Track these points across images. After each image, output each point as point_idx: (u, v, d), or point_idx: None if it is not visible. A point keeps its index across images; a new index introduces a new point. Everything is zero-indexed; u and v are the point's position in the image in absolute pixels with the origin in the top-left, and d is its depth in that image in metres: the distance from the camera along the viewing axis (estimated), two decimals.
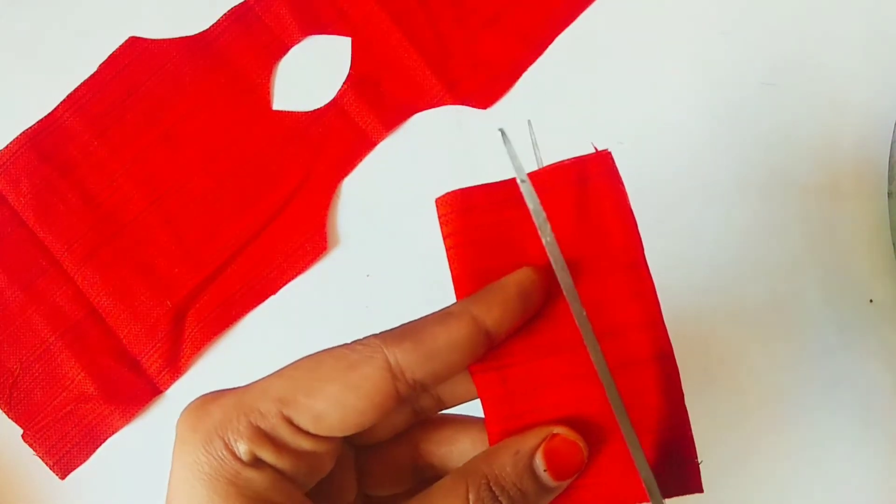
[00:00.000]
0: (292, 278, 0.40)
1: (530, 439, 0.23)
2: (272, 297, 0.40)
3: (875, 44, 0.41)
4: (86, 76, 0.42)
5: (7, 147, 0.41)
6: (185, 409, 0.23)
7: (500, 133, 0.23)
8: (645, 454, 0.23)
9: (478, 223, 0.25)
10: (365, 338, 0.22)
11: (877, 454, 0.38)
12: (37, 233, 0.40)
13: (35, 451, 0.39)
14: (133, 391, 0.39)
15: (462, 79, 0.42)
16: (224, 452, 0.21)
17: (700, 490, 0.24)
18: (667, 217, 0.40)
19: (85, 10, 0.43)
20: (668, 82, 0.41)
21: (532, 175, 0.25)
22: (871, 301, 0.39)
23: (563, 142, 0.41)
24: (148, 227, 0.41)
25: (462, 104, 0.41)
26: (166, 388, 0.39)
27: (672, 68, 0.42)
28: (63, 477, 0.39)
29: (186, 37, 0.42)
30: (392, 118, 0.41)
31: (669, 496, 0.24)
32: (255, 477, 0.21)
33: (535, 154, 0.25)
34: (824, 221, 0.40)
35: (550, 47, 0.42)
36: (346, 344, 0.22)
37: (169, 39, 0.42)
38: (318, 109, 0.42)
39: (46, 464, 0.39)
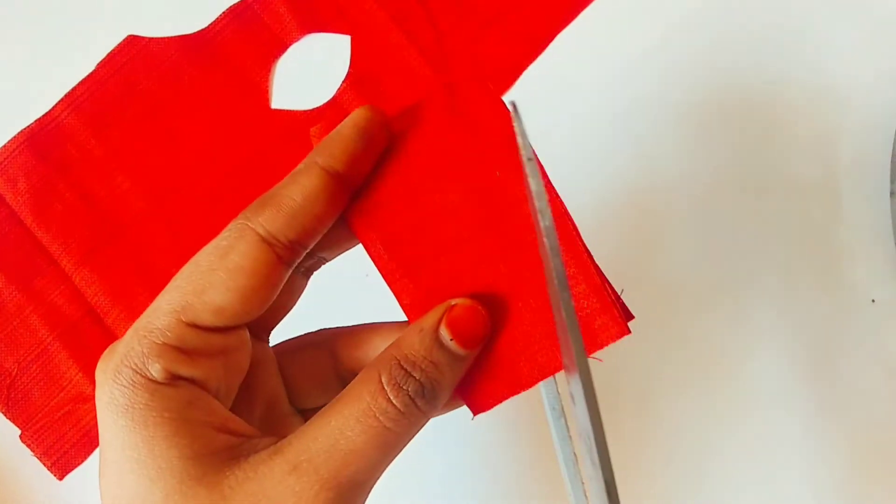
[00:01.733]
0: None
1: (431, 316, 0.23)
2: None
3: (877, 42, 0.41)
4: (84, 74, 0.42)
5: (4, 146, 0.41)
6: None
7: (511, 106, 0.23)
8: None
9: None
10: (234, 221, 0.23)
11: (877, 454, 0.38)
12: (34, 232, 0.40)
13: (33, 451, 0.39)
14: None
15: (462, 78, 0.41)
16: (135, 378, 0.21)
17: (625, 331, 0.24)
18: (666, 217, 0.40)
19: (83, 8, 0.43)
20: (669, 82, 0.41)
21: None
22: (872, 301, 0.39)
23: (562, 142, 0.41)
24: (147, 226, 0.40)
25: None
26: None
27: (672, 67, 0.41)
28: (61, 477, 0.39)
29: (185, 35, 0.42)
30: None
31: (598, 346, 0.24)
32: (171, 394, 0.21)
33: (522, 140, 0.24)
34: (826, 220, 0.40)
35: (550, 46, 0.42)
36: (215, 238, 0.23)
37: (168, 38, 0.42)
38: (317, 108, 0.42)
39: (44, 464, 0.39)
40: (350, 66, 0.42)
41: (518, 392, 0.24)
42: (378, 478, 0.22)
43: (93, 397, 0.39)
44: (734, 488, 0.38)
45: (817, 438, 0.38)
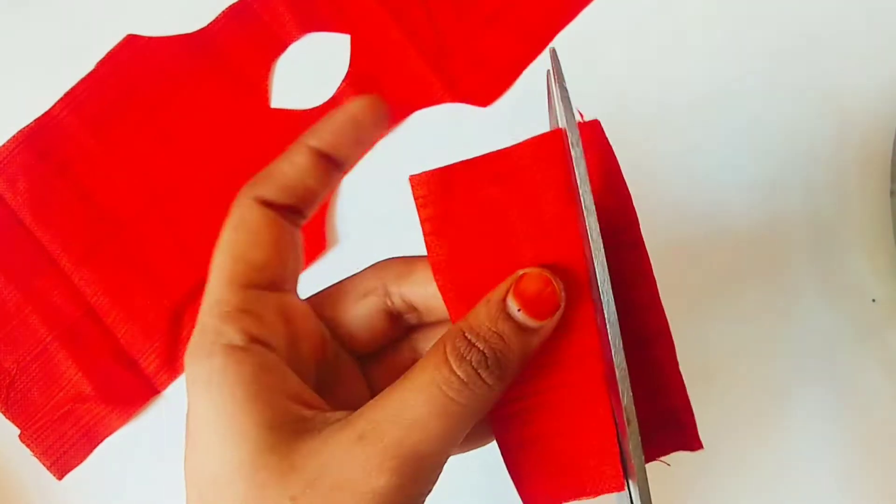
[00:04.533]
0: None
1: (500, 287, 0.23)
2: None
3: (879, 42, 0.41)
4: (83, 74, 0.42)
5: (4, 145, 0.41)
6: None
7: (547, 74, 0.21)
8: (642, 419, 0.21)
9: (459, 204, 0.24)
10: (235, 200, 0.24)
11: (878, 454, 0.38)
12: (34, 232, 0.40)
13: (32, 451, 0.39)
14: (130, 391, 0.39)
15: (461, 77, 0.41)
16: (212, 348, 0.22)
17: (699, 446, 0.24)
18: (668, 215, 0.40)
19: (83, 7, 0.43)
20: (669, 81, 0.41)
21: (514, 149, 0.23)
22: (873, 300, 0.39)
23: None
24: (146, 226, 0.40)
25: (461, 102, 0.41)
26: (164, 389, 0.39)
27: (673, 67, 0.41)
28: (61, 477, 0.39)
29: (185, 34, 0.42)
30: (391, 116, 0.41)
31: (665, 452, 0.24)
32: (246, 359, 0.22)
33: (556, 92, 0.22)
34: (827, 220, 0.40)
35: (550, 45, 0.42)
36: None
37: (167, 37, 0.42)
38: (316, 107, 0.42)
39: (44, 464, 0.39)
40: (349, 65, 0.42)
41: (579, 499, 0.23)
42: (445, 454, 0.22)
43: (91, 397, 0.39)
44: (733, 488, 0.38)
45: (817, 438, 0.38)
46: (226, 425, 0.21)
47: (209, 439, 0.21)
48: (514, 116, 0.41)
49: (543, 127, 0.41)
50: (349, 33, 0.42)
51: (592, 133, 0.24)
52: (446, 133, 0.41)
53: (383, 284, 0.26)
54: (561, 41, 0.42)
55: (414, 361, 0.23)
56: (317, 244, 0.40)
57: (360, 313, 0.26)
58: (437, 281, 0.24)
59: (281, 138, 0.41)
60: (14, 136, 0.41)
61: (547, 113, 0.29)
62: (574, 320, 0.23)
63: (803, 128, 0.40)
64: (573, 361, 0.23)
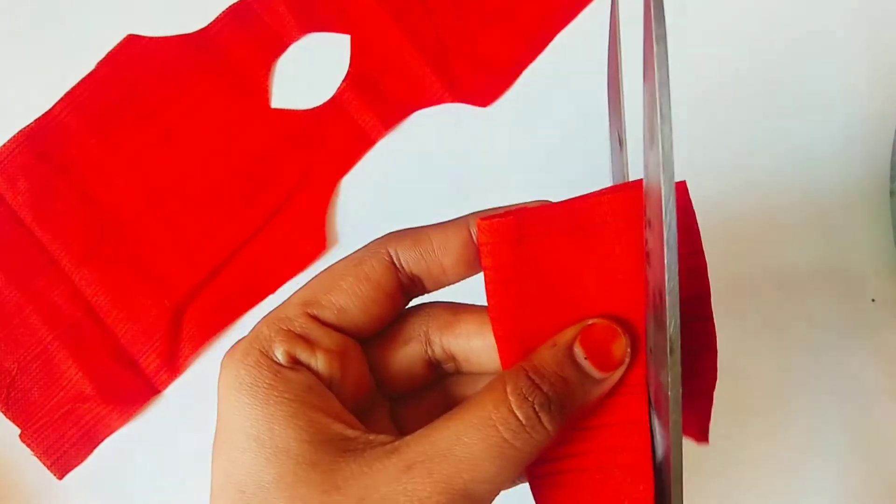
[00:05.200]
0: (291, 277, 0.40)
1: (567, 332, 0.22)
2: (271, 297, 0.40)
3: (878, 41, 0.41)
4: (84, 74, 0.42)
5: (4, 146, 0.41)
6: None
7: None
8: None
9: (527, 255, 0.23)
10: (371, 241, 0.24)
11: (878, 454, 0.38)
12: (34, 232, 0.40)
13: (33, 450, 0.39)
14: (131, 391, 0.39)
15: (462, 77, 0.41)
16: (261, 360, 0.22)
17: (705, 441, 0.24)
18: None
19: (83, 7, 0.43)
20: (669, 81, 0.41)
21: (591, 200, 0.22)
22: (873, 300, 0.39)
23: (563, 141, 0.41)
24: (146, 226, 0.40)
25: (462, 102, 0.41)
26: (164, 388, 0.39)
27: (673, 66, 0.41)
28: (61, 477, 0.39)
29: (185, 34, 0.42)
30: (391, 116, 0.41)
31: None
32: (293, 378, 0.22)
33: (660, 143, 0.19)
34: (826, 220, 0.40)
35: (550, 45, 0.42)
36: (362, 247, 0.24)
37: (167, 37, 0.42)
38: (316, 107, 0.42)
39: (44, 464, 0.39)
40: (350, 66, 0.42)
41: None
42: (495, 495, 0.21)
43: (92, 397, 0.39)
44: (732, 487, 0.38)
45: (817, 438, 0.38)
46: (266, 437, 0.21)
47: (245, 447, 0.21)
48: (514, 116, 0.41)
49: (543, 126, 0.41)
50: (349, 33, 0.42)
51: (677, 194, 0.23)
52: (446, 133, 0.41)
53: (426, 332, 0.25)
54: (561, 41, 0.42)
55: (446, 407, 0.23)
56: (317, 244, 0.40)
57: (401, 358, 0.25)
58: (495, 330, 0.23)
59: (281, 138, 0.41)
60: (14, 137, 0.41)
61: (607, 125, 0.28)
62: (627, 384, 0.22)
63: (803, 127, 0.40)
64: (621, 427, 0.23)
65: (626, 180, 0.25)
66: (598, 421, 0.23)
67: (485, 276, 0.23)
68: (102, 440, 0.39)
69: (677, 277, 0.18)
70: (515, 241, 0.23)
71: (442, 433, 0.21)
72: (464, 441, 0.20)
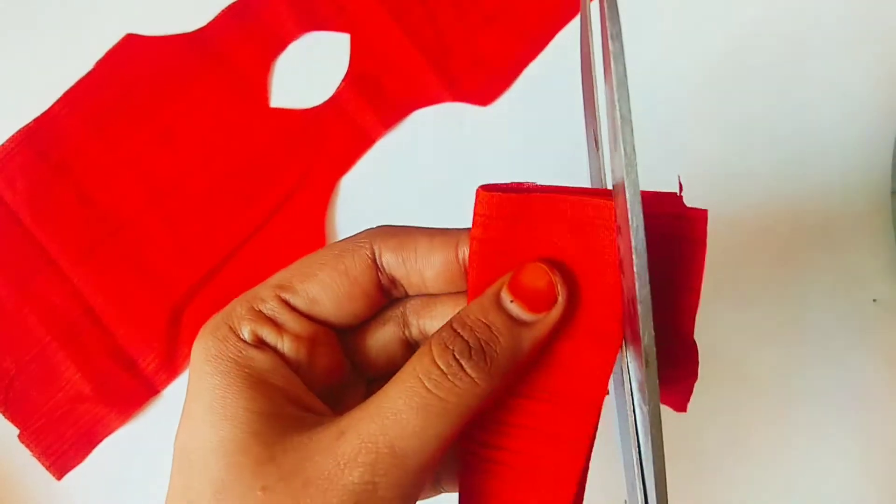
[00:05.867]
0: None
1: (498, 281, 0.22)
2: None
3: (878, 42, 0.41)
4: (83, 74, 0.42)
5: (3, 145, 0.41)
6: None
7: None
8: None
9: (518, 235, 0.22)
10: (359, 232, 0.24)
11: (879, 454, 0.38)
12: (33, 231, 0.40)
13: (31, 451, 0.38)
14: (130, 391, 0.39)
15: (461, 76, 0.41)
16: (228, 335, 0.22)
17: (682, 410, 0.23)
18: None
19: (82, 7, 0.43)
20: (669, 80, 0.41)
21: (591, 201, 0.21)
22: (874, 300, 0.39)
23: (564, 142, 0.41)
24: (145, 225, 0.40)
25: (461, 101, 0.41)
26: (163, 388, 0.39)
27: (673, 66, 0.41)
28: (60, 477, 0.39)
29: (184, 34, 0.42)
30: (391, 115, 0.41)
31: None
32: (256, 356, 0.22)
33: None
34: (827, 220, 0.40)
35: (550, 44, 0.42)
36: (348, 237, 0.24)
37: (166, 36, 0.42)
38: (316, 107, 0.42)
39: (43, 464, 0.38)
40: (349, 65, 0.42)
41: None
42: (426, 457, 0.20)
43: (90, 398, 0.39)
44: (735, 487, 0.38)
45: (817, 437, 0.38)
46: (218, 404, 0.21)
47: (198, 416, 0.21)
48: (514, 116, 0.41)
49: (543, 126, 0.41)
50: (349, 33, 0.42)
51: (695, 224, 0.22)
52: (446, 132, 0.41)
53: (403, 314, 0.25)
54: (561, 41, 0.42)
55: (404, 343, 0.24)
56: (316, 243, 0.40)
57: (378, 340, 0.25)
58: (469, 301, 0.23)
59: (280, 138, 0.41)
60: (13, 136, 0.41)
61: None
62: (584, 367, 0.22)
63: (804, 128, 0.40)
64: (558, 440, 0.22)
65: (603, 182, 0.24)
66: (536, 425, 0.22)
67: (470, 245, 0.22)
68: (101, 440, 0.39)
69: (649, 286, 0.18)
70: (511, 219, 0.22)
71: (374, 397, 0.21)
72: (391, 397, 0.20)
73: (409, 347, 0.25)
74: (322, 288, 0.23)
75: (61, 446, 0.39)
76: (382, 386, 0.24)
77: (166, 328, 0.39)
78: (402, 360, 0.23)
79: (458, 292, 0.24)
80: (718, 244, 0.40)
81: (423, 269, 0.23)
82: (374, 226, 0.25)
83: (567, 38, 0.42)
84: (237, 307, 0.23)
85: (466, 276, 0.23)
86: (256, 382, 0.22)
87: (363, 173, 0.41)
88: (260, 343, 0.23)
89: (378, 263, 0.23)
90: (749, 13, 0.42)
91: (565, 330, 0.22)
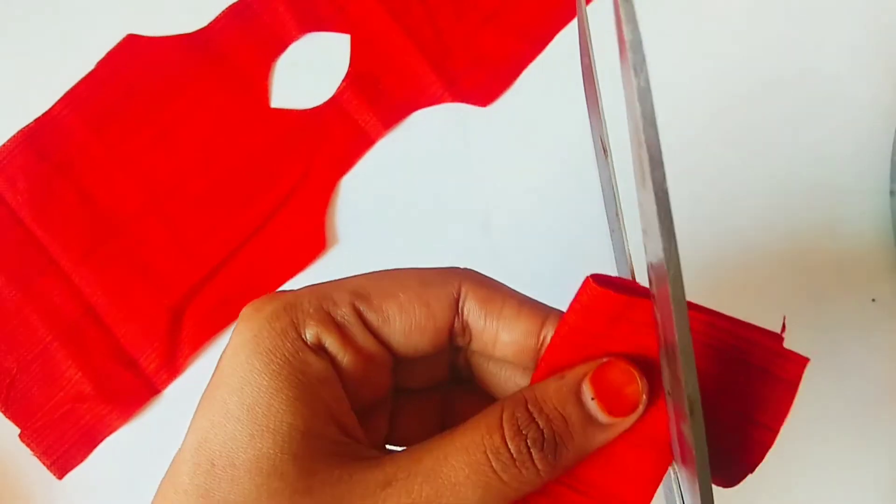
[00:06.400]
0: (291, 277, 0.40)
1: (580, 368, 0.21)
2: None
3: (878, 40, 0.41)
4: (84, 74, 0.42)
5: (4, 145, 0.41)
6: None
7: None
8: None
9: (612, 334, 0.21)
10: (447, 268, 0.22)
11: (879, 454, 0.38)
12: (34, 231, 0.40)
13: (32, 450, 0.39)
14: (131, 391, 0.39)
15: (462, 76, 0.41)
16: (288, 329, 0.20)
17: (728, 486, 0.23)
18: None
19: (83, 7, 0.43)
20: (670, 80, 0.41)
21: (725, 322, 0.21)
22: (873, 300, 0.39)
23: (564, 142, 0.41)
24: (146, 225, 0.40)
25: (462, 101, 0.41)
26: (164, 388, 0.39)
27: (673, 66, 0.41)
28: (61, 476, 0.39)
29: (184, 34, 0.42)
30: (391, 116, 0.41)
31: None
32: (314, 363, 0.20)
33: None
34: (826, 220, 0.40)
35: (551, 44, 0.42)
36: (435, 267, 0.22)
37: (167, 37, 0.42)
38: (316, 107, 0.42)
39: (44, 463, 0.39)
40: (349, 65, 0.42)
41: None
42: None
43: (91, 397, 0.39)
44: (735, 488, 0.38)
45: (817, 437, 0.38)
46: (260, 410, 0.19)
47: (234, 414, 0.20)
48: (514, 116, 0.41)
49: (543, 126, 0.41)
50: (349, 33, 0.42)
51: (794, 365, 0.22)
52: (446, 133, 0.41)
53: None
54: (561, 41, 0.42)
55: (440, 418, 0.23)
56: (316, 244, 0.40)
57: (428, 370, 0.24)
58: (536, 371, 0.22)
59: (281, 138, 0.41)
60: (14, 136, 0.41)
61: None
62: (633, 470, 0.21)
63: (803, 127, 0.40)
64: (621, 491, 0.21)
65: (615, 190, 0.24)
66: (599, 479, 0.21)
67: (559, 328, 0.21)
68: (102, 440, 0.39)
69: (689, 334, 0.17)
70: (612, 317, 0.21)
71: (430, 452, 0.20)
72: (450, 463, 0.19)
73: (453, 372, 0.24)
74: (399, 311, 0.21)
75: (62, 446, 0.39)
76: (403, 406, 0.24)
77: (167, 328, 0.39)
78: (433, 344, 0.22)
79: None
80: (716, 245, 0.40)
81: (500, 331, 0.22)
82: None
83: (567, 38, 0.42)
84: (304, 301, 0.21)
85: (541, 355, 0.22)
86: (305, 394, 0.20)
87: (363, 173, 0.41)
88: (319, 349, 0.21)
89: (459, 306, 0.22)
90: (750, 15, 0.42)
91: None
